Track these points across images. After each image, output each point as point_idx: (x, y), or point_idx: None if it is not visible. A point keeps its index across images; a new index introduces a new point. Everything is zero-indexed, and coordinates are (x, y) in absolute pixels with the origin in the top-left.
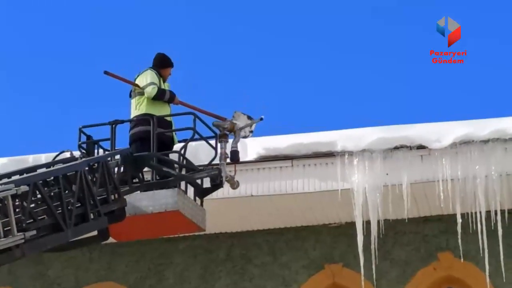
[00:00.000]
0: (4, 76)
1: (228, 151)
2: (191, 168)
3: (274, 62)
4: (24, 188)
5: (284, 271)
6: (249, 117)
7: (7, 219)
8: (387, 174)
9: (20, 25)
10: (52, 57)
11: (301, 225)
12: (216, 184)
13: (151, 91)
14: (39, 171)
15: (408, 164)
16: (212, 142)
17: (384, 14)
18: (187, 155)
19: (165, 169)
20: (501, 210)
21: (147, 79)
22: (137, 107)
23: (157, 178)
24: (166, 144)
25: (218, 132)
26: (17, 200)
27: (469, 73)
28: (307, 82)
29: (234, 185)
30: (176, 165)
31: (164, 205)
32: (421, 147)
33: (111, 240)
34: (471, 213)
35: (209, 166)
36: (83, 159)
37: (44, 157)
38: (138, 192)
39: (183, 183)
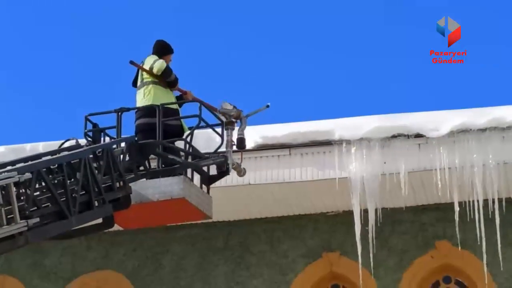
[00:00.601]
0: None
1: (234, 138)
2: (197, 155)
3: (272, 52)
4: (27, 175)
5: (282, 259)
6: (234, 107)
7: (11, 206)
8: (384, 162)
9: (17, 24)
10: (50, 57)
11: (299, 213)
12: (223, 172)
13: (160, 65)
14: (44, 159)
15: (405, 153)
16: (218, 129)
17: (384, 14)
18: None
19: (170, 156)
20: (498, 198)
21: (153, 59)
22: (144, 96)
23: (163, 165)
24: (174, 134)
25: (224, 119)
26: (22, 188)
27: (469, 73)
28: (305, 72)
29: (241, 172)
30: (182, 153)
31: (170, 193)
32: (418, 135)
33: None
34: (469, 201)
35: (216, 153)
36: (88, 146)
37: (42, 146)
38: (144, 179)
39: (189, 171)
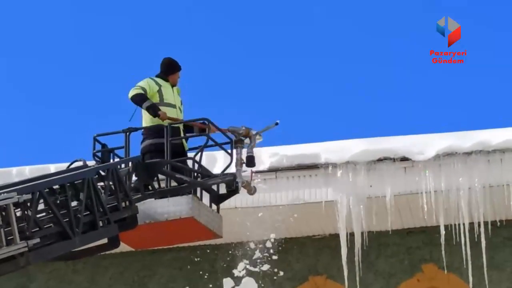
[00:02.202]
0: None
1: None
2: (206, 174)
3: (257, 70)
4: (26, 196)
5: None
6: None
7: (11, 227)
8: (370, 186)
9: (16, 24)
10: (50, 57)
11: (285, 237)
12: (232, 190)
13: (130, 91)
14: (47, 179)
15: (391, 176)
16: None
17: (384, 14)
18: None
19: (177, 175)
20: (484, 221)
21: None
22: (144, 119)
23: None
24: (178, 152)
25: (233, 137)
26: (24, 209)
27: (469, 73)
28: (290, 93)
29: (251, 190)
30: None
31: (178, 212)
32: (404, 159)
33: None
34: (455, 224)
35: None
36: (91, 166)
37: (28, 169)
38: (153, 199)
39: (198, 190)
